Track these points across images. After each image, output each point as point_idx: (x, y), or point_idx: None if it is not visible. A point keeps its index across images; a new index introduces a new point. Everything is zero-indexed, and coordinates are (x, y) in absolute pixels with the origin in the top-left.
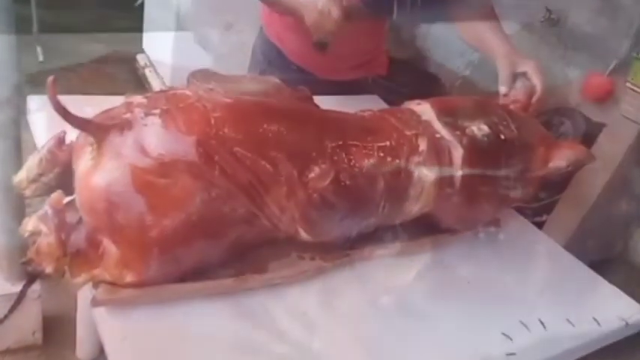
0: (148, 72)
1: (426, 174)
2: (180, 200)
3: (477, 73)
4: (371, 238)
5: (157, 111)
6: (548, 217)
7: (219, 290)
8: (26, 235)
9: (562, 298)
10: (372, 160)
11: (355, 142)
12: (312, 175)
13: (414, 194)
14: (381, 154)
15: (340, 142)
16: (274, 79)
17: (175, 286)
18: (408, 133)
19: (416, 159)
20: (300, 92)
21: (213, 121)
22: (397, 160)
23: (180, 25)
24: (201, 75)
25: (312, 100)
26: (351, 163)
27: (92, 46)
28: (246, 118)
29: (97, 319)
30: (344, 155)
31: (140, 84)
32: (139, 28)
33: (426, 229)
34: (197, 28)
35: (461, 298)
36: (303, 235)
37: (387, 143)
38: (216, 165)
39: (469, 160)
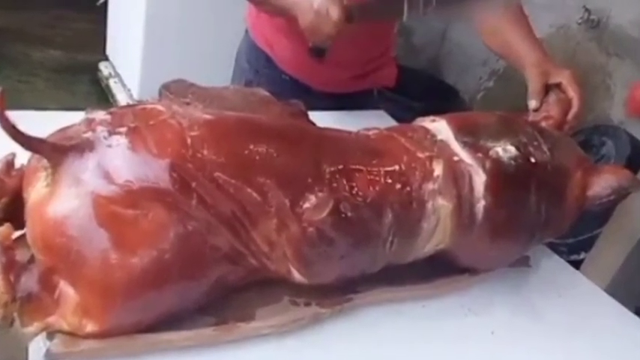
0: (112, 83)
1: (442, 204)
2: (151, 235)
3: (502, 84)
4: (377, 279)
5: (124, 129)
6: (586, 255)
7: (198, 341)
8: None
9: (603, 351)
10: (377, 188)
11: (358, 166)
12: (307, 205)
13: (428, 228)
14: (389, 181)
15: (340, 167)
16: (262, 92)
17: (145, 336)
18: (420, 155)
19: (430, 186)
20: (293, 107)
21: (189, 141)
22: (408, 188)
23: (149, 28)
24: (176, 87)
25: (307, 116)
26: (354, 191)
27: (47, 53)
28: (229, 137)
29: None
30: (345, 182)
31: (103, 97)
32: (101, 32)
33: (443, 269)
34: (169, 32)
35: (484, 351)
36: (297, 276)
37: (396, 167)
38: (194, 193)
39: (493, 187)
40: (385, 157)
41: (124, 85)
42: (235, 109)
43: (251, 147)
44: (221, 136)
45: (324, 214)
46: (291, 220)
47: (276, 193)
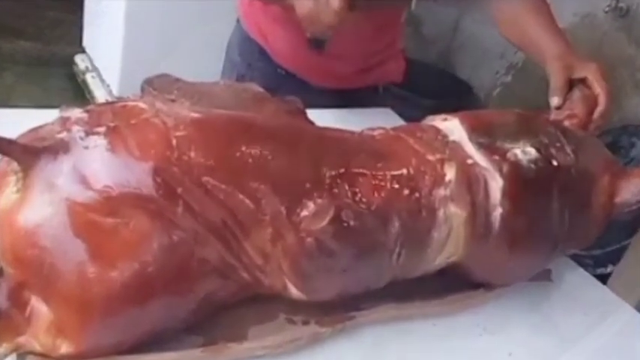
0: (89, 78)
1: (455, 212)
2: (133, 246)
3: (520, 79)
4: (382, 295)
5: (102, 129)
6: (614, 268)
7: None
8: None
9: None
10: (383, 194)
11: (361, 170)
12: (305, 212)
13: (439, 238)
14: (396, 186)
15: (342, 170)
16: (256, 88)
17: (126, 358)
18: (430, 157)
19: (441, 192)
20: (289, 104)
21: (175, 143)
22: (417, 194)
23: (131, 17)
24: (160, 82)
25: (305, 114)
26: (357, 198)
27: (17, 45)
28: (219, 138)
29: None
30: (347, 187)
31: (80, 93)
32: (77, 21)
33: (455, 283)
34: (153, 21)
35: None
36: (294, 291)
37: (404, 171)
38: (180, 200)
39: (511, 193)
40: (391, 160)
41: (102, 80)
42: (226, 106)
43: (243, 149)
44: (210, 136)
45: (324, 222)
46: (288, 230)
47: (270, 199)
